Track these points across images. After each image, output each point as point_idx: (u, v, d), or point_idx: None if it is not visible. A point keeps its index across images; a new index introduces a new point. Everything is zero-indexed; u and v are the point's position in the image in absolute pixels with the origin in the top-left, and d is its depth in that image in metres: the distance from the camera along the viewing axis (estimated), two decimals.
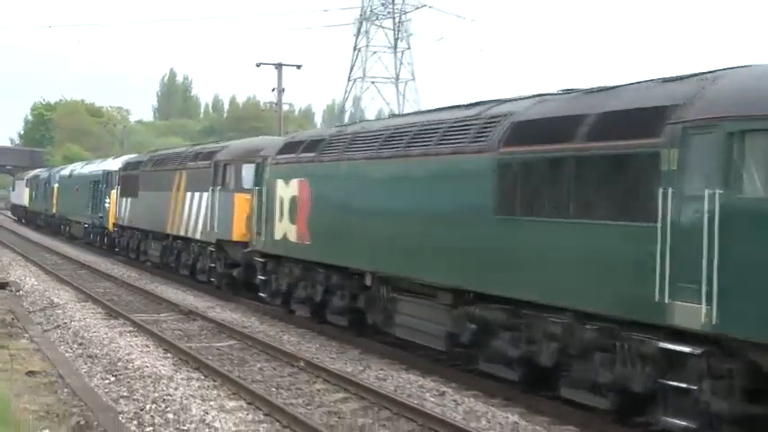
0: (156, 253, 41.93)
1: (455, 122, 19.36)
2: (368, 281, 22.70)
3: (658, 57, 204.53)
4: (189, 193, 36.30)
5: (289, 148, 27.57)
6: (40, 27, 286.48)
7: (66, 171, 70.95)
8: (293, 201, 25.89)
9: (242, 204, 31.59)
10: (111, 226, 50.86)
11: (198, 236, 34.70)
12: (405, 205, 20.47)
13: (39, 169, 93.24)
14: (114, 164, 53.16)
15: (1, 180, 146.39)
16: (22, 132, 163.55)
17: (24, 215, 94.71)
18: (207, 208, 33.86)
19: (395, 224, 20.83)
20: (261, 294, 29.30)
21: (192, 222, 35.49)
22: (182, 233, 37.04)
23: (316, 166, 25.04)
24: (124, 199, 47.40)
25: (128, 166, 48.82)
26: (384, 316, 22.01)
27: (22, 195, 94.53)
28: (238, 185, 32.63)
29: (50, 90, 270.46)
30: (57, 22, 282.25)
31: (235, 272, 32.52)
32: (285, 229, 26.39)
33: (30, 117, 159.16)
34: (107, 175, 53.03)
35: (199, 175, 35.43)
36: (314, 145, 25.77)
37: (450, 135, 19.14)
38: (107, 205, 51.74)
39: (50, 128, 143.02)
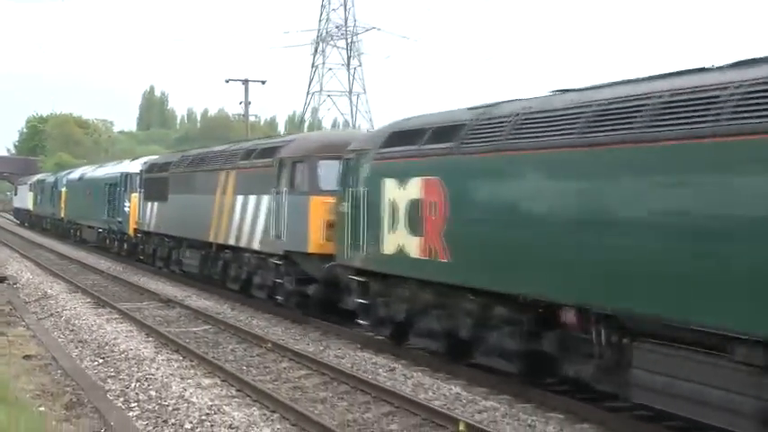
0: (193, 263, 33.76)
1: (753, 84, 11.26)
2: (567, 317, 14.71)
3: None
4: (240, 197, 28.86)
5: (401, 138, 19.64)
6: (31, 47, 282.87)
7: (75, 174, 61.88)
8: (414, 205, 18.21)
9: (319, 209, 23.89)
10: (132, 231, 42.78)
11: (256, 246, 27.33)
12: (651, 212, 12.53)
13: (43, 173, 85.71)
14: (134, 165, 45.12)
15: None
16: (17, 143, 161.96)
17: (28, 219, 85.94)
18: (269, 214, 26.21)
19: (627, 238, 12.88)
20: (360, 321, 21.49)
21: (245, 230, 28.23)
22: (230, 242, 29.59)
23: (455, 161, 17.10)
24: (149, 203, 39.15)
25: (153, 167, 40.52)
26: (599, 369, 14.03)
27: (26, 199, 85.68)
28: (314, 187, 24.48)
29: (42, 104, 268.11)
30: (46, 41, 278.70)
31: (309, 289, 24.56)
32: (401, 241, 18.67)
33: (24, 129, 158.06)
34: (126, 177, 44.72)
35: (255, 174, 27.89)
36: (447, 133, 17.77)
37: (749, 106, 11.06)
38: (127, 209, 43.58)
39: (43, 138, 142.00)
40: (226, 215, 29.84)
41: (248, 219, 27.80)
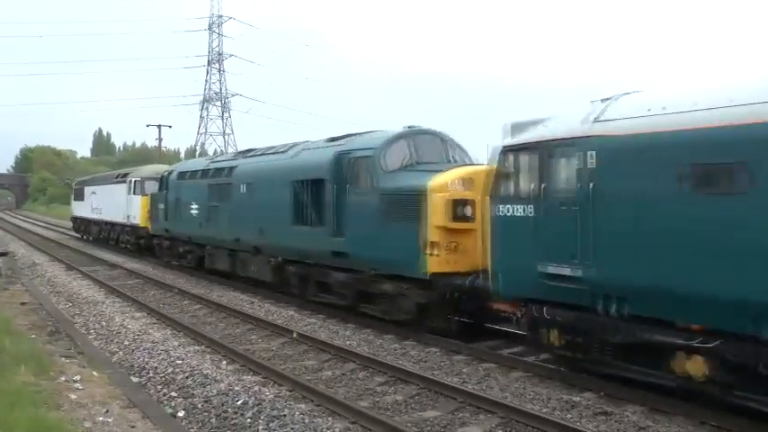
0: None
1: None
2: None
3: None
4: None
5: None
6: (15, 105, 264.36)
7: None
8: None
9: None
10: None
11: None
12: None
13: (181, 163, 28.62)
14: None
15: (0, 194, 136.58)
16: (13, 165, 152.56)
17: (134, 241, 30.43)
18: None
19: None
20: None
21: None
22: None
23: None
24: None
25: None
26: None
27: (127, 208, 31.06)
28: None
29: (31, 139, 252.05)
30: (31, 101, 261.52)
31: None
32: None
33: (19, 156, 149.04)
34: None
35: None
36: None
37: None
38: None
39: (31, 162, 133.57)
40: None
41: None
